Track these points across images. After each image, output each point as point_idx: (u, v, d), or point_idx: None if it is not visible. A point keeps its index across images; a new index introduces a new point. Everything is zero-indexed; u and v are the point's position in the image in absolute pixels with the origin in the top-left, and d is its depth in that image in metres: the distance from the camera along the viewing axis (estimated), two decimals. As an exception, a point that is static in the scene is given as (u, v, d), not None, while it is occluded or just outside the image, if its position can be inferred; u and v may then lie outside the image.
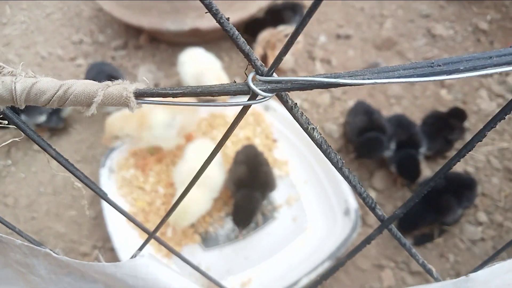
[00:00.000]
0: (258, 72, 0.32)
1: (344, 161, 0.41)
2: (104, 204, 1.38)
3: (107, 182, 1.46)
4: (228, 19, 0.30)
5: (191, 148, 1.45)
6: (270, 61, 1.78)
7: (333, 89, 1.92)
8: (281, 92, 0.31)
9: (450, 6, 2.32)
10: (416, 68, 0.31)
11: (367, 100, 1.89)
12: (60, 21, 2.21)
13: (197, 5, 1.76)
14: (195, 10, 1.76)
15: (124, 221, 1.42)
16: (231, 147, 1.62)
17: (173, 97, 0.32)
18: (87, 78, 1.71)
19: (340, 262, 0.51)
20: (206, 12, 0.29)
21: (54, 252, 0.53)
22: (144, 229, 0.50)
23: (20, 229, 0.58)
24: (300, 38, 1.91)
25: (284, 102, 0.33)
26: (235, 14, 1.80)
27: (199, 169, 0.42)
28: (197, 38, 1.94)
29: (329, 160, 0.39)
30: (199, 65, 1.67)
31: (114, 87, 0.32)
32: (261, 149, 1.62)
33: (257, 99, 0.32)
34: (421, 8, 2.30)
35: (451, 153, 1.69)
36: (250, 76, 0.31)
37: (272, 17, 2.02)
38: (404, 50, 2.12)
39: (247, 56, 0.31)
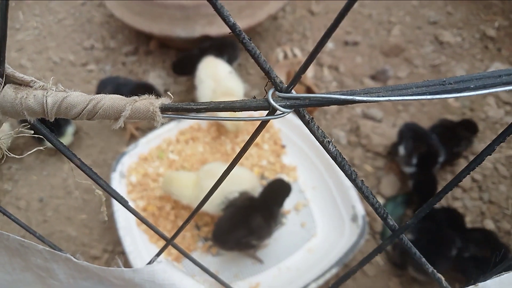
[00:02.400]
0: (277, 88, 0.33)
1: (357, 173, 0.43)
2: (115, 208, 1.40)
3: (118, 187, 1.48)
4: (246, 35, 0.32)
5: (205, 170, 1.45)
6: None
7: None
8: (299, 108, 0.33)
9: (457, 13, 2.33)
10: (428, 86, 0.33)
11: (375, 107, 1.91)
12: (72, 27, 2.25)
13: (207, 12, 1.78)
14: (205, 17, 1.79)
15: (134, 225, 1.44)
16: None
17: (197, 112, 0.34)
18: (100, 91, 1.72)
19: (352, 270, 0.52)
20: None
21: (74, 258, 0.54)
22: (162, 236, 0.52)
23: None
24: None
25: (302, 116, 0.35)
26: (243, 21, 1.82)
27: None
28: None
29: (343, 172, 0.41)
30: (219, 90, 1.61)
31: (141, 102, 0.34)
32: (269, 154, 1.64)
33: (275, 114, 0.34)
34: (429, 15, 2.31)
35: (458, 161, 1.70)
36: (270, 92, 0.33)
37: (201, 53, 1.77)
38: (412, 57, 2.13)
39: (267, 73, 0.33)
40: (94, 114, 0.35)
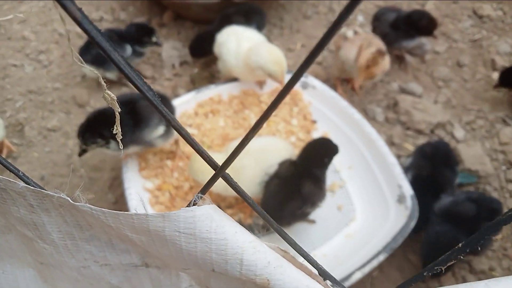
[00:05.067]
0: None
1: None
2: (126, 185, 1.23)
3: (129, 162, 1.30)
4: None
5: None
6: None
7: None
8: None
9: (496, -13, 2.14)
10: None
11: (413, 81, 1.72)
12: (79, -1, 2.08)
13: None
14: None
15: (148, 205, 1.27)
16: (266, 129, 1.45)
17: None
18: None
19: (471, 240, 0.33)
20: None
21: (71, 199, 0.36)
22: (212, 164, 0.34)
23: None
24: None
25: None
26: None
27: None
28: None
29: None
30: (244, 42, 1.45)
31: None
32: (299, 130, 1.46)
33: None
34: (466, -11, 2.12)
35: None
36: None
37: (222, 24, 1.58)
38: (450, 32, 1.94)
39: None
40: None
